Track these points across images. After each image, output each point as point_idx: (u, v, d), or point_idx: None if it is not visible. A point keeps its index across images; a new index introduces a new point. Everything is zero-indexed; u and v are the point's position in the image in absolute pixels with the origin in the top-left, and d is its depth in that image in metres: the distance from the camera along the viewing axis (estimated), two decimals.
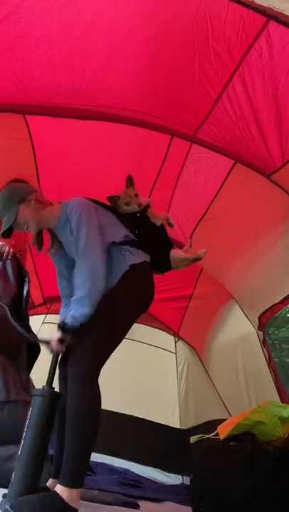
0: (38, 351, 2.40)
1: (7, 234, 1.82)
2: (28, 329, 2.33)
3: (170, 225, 2.11)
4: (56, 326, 1.73)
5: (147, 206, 2.08)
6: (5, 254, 2.37)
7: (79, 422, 1.56)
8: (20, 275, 2.42)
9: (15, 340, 2.28)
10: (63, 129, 2.49)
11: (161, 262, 2.00)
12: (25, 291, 2.39)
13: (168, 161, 2.69)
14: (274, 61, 1.79)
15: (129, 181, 2.11)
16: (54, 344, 1.71)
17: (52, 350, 1.75)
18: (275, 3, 1.42)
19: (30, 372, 2.40)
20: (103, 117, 2.43)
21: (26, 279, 2.42)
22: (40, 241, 1.99)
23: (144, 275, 1.87)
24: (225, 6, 1.65)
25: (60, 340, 1.71)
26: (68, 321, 1.65)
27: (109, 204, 2.07)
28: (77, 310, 1.64)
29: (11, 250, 2.40)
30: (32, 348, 2.39)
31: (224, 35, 1.77)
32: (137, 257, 1.84)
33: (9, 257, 2.38)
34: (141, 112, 2.39)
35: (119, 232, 1.89)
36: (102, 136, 2.55)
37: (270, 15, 1.62)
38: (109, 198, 2.08)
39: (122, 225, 1.96)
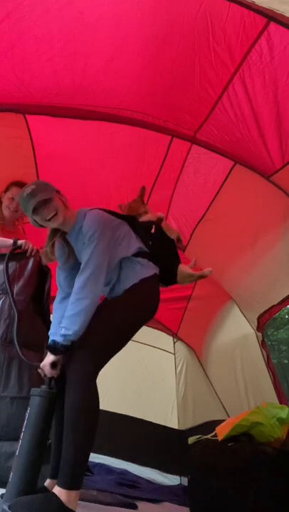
0: None
1: (39, 206, 1.77)
2: (49, 324, 2.34)
3: (179, 241, 2.17)
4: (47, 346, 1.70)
5: (159, 220, 2.13)
6: (28, 251, 2.35)
7: (77, 424, 1.55)
8: (42, 271, 2.41)
9: (35, 337, 2.27)
10: (63, 128, 2.50)
11: (169, 275, 2.02)
12: (46, 288, 2.39)
13: (168, 162, 2.70)
14: (274, 62, 1.79)
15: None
16: (47, 369, 1.68)
17: (45, 375, 1.70)
18: (276, 4, 1.42)
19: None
20: (103, 117, 2.43)
21: (48, 276, 2.41)
22: (51, 250, 1.95)
23: (152, 287, 1.87)
24: (226, 6, 1.65)
25: (53, 364, 1.67)
26: (59, 340, 1.63)
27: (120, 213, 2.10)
28: (69, 328, 1.62)
29: (34, 247, 2.38)
30: None
31: (225, 36, 1.77)
32: (147, 270, 1.85)
33: (33, 253, 2.36)
34: (141, 112, 2.39)
35: (133, 245, 1.88)
36: (102, 136, 2.56)
37: (270, 16, 1.63)
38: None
39: (136, 236, 1.95)
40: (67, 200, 1.90)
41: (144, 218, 2.15)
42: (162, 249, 2.01)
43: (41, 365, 1.71)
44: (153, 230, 2.06)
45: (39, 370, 1.74)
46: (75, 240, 1.87)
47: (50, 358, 1.67)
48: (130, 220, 2.01)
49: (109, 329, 1.70)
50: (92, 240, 1.74)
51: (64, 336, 1.62)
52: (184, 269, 2.06)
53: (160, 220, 2.13)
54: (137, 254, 1.86)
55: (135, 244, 1.90)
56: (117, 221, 1.90)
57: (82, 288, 1.67)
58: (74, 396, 1.57)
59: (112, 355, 1.71)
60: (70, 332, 1.61)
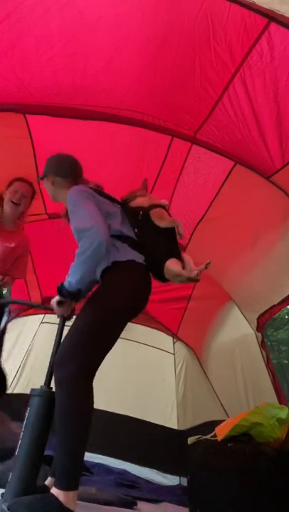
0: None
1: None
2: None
3: (179, 234, 1.95)
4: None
5: (153, 206, 1.98)
6: None
7: (65, 425, 1.53)
8: None
9: None
10: (63, 128, 2.50)
11: (156, 270, 1.88)
12: (2, 324, 2.38)
13: (168, 162, 2.69)
14: (275, 62, 1.79)
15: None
16: (54, 308, 1.80)
17: (57, 314, 1.84)
18: (276, 5, 1.42)
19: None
20: (103, 117, 2.43)
21: (5, 311, 2.39)
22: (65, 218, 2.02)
23: (130, 274, 1.79)
24: (226, 7, 1.65)
25: (59, 303, 1.78)
26: (65, 284, 1.71)
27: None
28: (73, 275, 1.69)
29: None
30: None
31: (225, 36, 1.77)
32: (122, 254, 1.80)
33: None
34: (141, 112, 2.39)
35: (115, 225, 1.86)
36: (102, 136, 2.56)
37: (271, 17, 1.63)
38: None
39: (126, 221, 1.93)
40: (60, 182, 2.03)
41: (137, 201, 2.02)
42: (146, 239, 1.89)
43: (50, 304, 1.81)
44: (139, 217, 1.94)
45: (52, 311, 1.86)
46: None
47: (56, 297, 1.78)
48: (122, 204, 2.01)
49: (88, 325, 1.67)
50: (77, 203, 1.81)
51: (69, 281, 1.70)
52: (171, 266, 1.82)
53: (151, 207, 1.98)
54: (117, 237, 1.82)
55: (117, 225, 1.87)
56: (103, 199, 1.91)
57: (86, 241, 1.67)
58: (60, 397, 1.56)
59: (98, 351, 1.67)
60: (73, 279, 1.69)
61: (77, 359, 1.61)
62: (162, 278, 1.90)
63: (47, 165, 2.08)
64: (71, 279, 1.69)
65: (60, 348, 1.71)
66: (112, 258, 1.77)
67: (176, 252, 1.90)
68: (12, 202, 2.59)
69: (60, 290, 1.74)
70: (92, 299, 1.76)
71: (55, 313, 1.87)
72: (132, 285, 1.78)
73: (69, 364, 1.59)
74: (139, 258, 1.83)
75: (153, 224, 1.91)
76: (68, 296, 1.75)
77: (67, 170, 2.05)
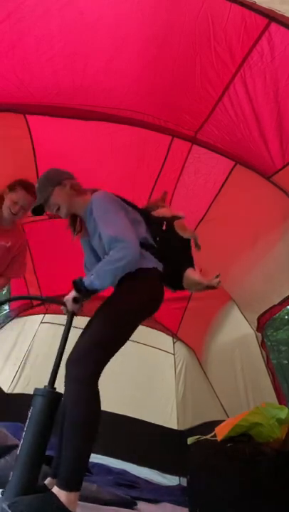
0: None
1: (37, 212, 1.93)
2: None
3: (197, 246, 2.04)
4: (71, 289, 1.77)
5: (175, 217, 2.06)
6: None
7: (77, 425, 1.54)
8: None
9: None
10: (64, 128, 2.50)
11: (173, 278, 1.96)
12: None
13: (168, 162, 2.69)
14: (275, 62, 1.79)
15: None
16: (69, 303, 1.77)
17: (67, 310, 1.81)
18: (277, 4, 1.42)
19: None
20: (103, 117, 2.43)
21: None
22: (75, 225, 2.01)
23: (150, 280, 1.83)
24: (227, 7, 1.65)
25: (75, 299, 1.76)
26: (86, 283, 1.70)
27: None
28: (98, 278, 1.68)
29: None
30: None
31: (226, 37, 1.78)
32: (147, 261, 1.82)
33: None
34: (141, 112, 2.39)
35: (142, 231, 1.88)
36: (102, 136, 2.56)
37: (271, 17, 1.63)
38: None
39: (146, 228, 1.95)
40: (78, 185, 1.97)
41: (159, 211, 2.10)
42: (169, 248, 1.97)
43: (64, 299, 1.79)
44: (164, 227, 2.02)
45: (62, 308, 1.84)
46: (88, 222, 1.90)
47: (73, 293, 1.76)
48: (143, 212, 2.01)
49: (109, 328, 1.70)
50: (106, 211, 1.79)
51: (91, 282, 1.68)
52: (191, 275, 1.95)
53: (174, 218, 2.06)
54: (142, 244, 1.83)
55: (143, 233, 1.89)
56: (126, 206, 1.91)
57: (120, 250, 1.67)
58: (74, 398, 1.57)
59: (112, 353, 1.69)
60: (97, 282, 1.68)
61: (96, 359, 1.63)
62: (177, 286, 1.99)
63: (52, 176, 1.96)
64: (96, 281, 1.68)
65: (78, 345, 1.69)
66: (138, 265, 1.78)
67: (192, 262, 2.01)
68: (10, 211, 2.51)
69: (79, 285, 1.72)
70: (113, 300, 1.77)
71: (53, 313, 1.88)
72: (150, 290, 1.83)
73: (88, 363, 1.61)
74: (159, 266, 1.88)
75: (176, 234, 2.00)
76: (84, 293, 1.75)
77: (69, 173, 2.03)
